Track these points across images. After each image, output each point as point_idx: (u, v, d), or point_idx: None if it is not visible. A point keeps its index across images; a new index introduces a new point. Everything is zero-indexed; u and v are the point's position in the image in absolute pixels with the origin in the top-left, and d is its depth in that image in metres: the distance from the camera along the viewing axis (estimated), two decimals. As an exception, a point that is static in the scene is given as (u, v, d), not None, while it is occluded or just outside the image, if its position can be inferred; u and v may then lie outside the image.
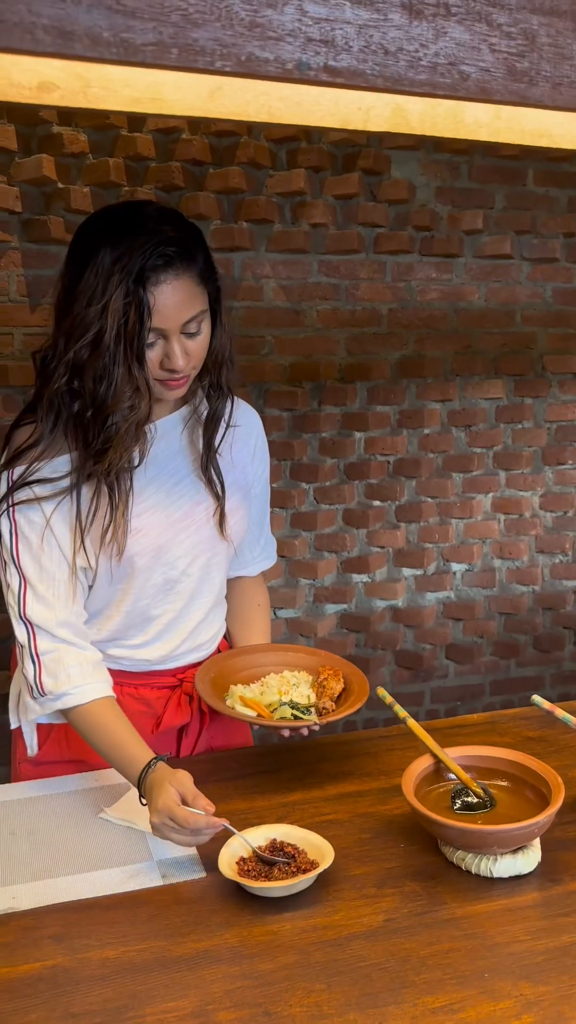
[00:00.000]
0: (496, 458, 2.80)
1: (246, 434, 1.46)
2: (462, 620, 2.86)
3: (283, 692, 1.32)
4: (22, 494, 1.24)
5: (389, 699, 1.30)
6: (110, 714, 1.25)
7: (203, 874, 1.09)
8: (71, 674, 1.25)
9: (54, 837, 1.17)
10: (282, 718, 1.27)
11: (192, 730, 1.46)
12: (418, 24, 0.73)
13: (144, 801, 1.15)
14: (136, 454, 1.26)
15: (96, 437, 1.21)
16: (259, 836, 1.12)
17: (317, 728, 1.27)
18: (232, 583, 1.54)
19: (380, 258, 2.56)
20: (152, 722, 1.42)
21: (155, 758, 1.18)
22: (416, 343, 2.64)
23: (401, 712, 1.28)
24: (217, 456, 1.37)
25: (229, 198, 2.37)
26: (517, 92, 0.76)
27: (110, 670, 1.35)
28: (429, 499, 2.75)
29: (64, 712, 1.27)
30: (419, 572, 2.79)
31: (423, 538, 2.76)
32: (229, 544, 1.41)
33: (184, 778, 1.12)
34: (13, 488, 1.24)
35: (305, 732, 1.28)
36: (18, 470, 1.24)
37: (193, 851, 1.13)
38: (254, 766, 1.38)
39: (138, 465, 1.27)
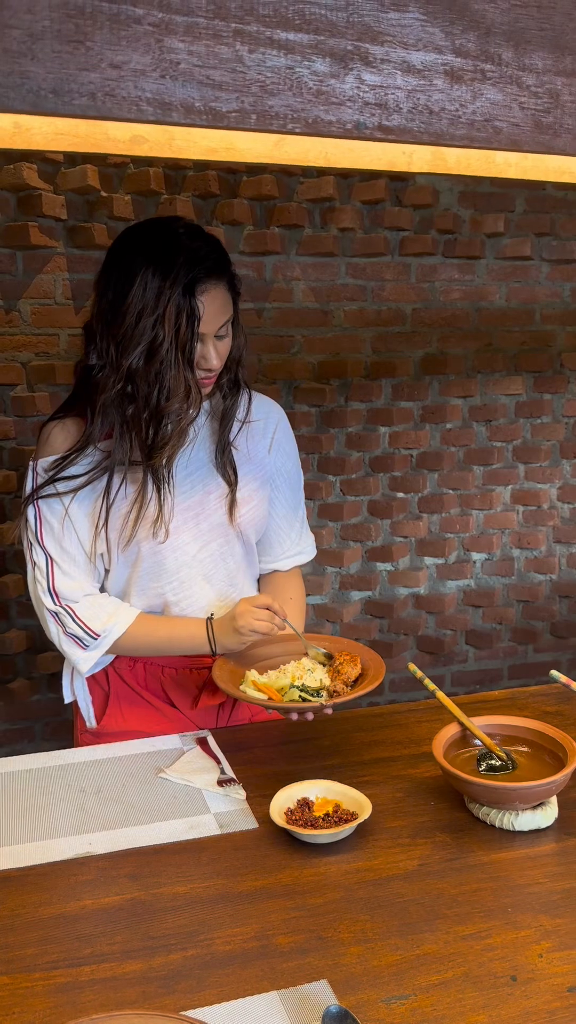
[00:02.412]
0: (515, 452, 2.92)
1: (263, 429, 1.55)
2: (482, 607, 2.98)
3: (297, 677, 1.39)
4: (46, 489, 1.39)
5: (419, 673, 1.43)
6: (151, 619, 1.45)
7: (256, 825, 1.22)
8: (108, 611, 1.42)
9: (120, 794, 1.31)
10: (291, 700, 1.35)
11: (228, 705, 1.59)
12: (458, 87, 0.85)
13: (217, 650, 1.41)
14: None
15: (152, 437, 1.35)
16: (303, 791, 1.25)
17: (329, 711, 1.33)
18: (266, 577, 1.65)
19: (405, 260, 2.68)
20: (190, 699, 1.55)
21: (208, 618, 1.41)
22: (439, 341, 2.75)
23: (430, 685, 1.41)
24: (233, 448, 1.48)
25: (262, 204, 2.49)
26: (543, 143, 0.88)
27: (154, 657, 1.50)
28: (451, 491, 2.87)
29: (116, 641, 1.42)
30: (440, 561, 2.91)
31: (445, 528, 2.89)
32: (240, 532, 1.50)
33: (262, 599, 1.37)
34: (40, 486, 1.38)
35: (310, 716, 1.34)
36: (45, 461, 1.39)
37: (246, 805, 1.26)
38: (295, 734, 1.51)
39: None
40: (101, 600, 1.44)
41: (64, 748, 1.48)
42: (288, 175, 2.47)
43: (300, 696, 1.35)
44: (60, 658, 1.53)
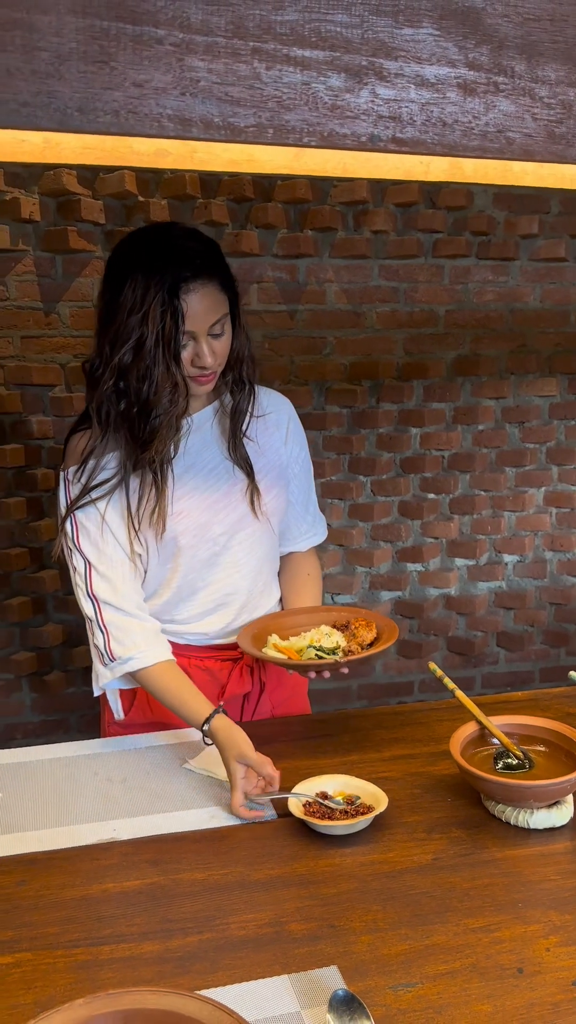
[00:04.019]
0: (549, 453, 2.91)
1: (276, 421, 1.61)
2: (513, 609, 2.98)
3: (315, 640, 1.45)
4: (81, 500, 1.42)
5: (439, 672, 1.45)
6: (173, 673, 1.43)
7: (274, 816, 1.26)
8: (136, 640, 1.43)
9: (144, 783, 1.35)
10: (308, 659, 1.40)
11: (253, 697, 1.63)
12: (471, 100, 0.87)
13: (208, 741, 1.36)
14: (172, 446, 1.44)
15: (142, 430, 1.39)
16: (322, 784, 1.28)
17: (345, 671, 1.40)
18: (285, 558, 1.71)
19: (438, 262, 2.69)
20: (217, 690, 1.59)
21: (216, 709, 1.36)
22: (472, 343, 2.76)
23: (450, 684, 1.43)
24: (247, 442, 1.54)
25: (296, 208, 2.52)
26: (556, 152, 0.90)
27: (177, 644, 1.54)
28: (482, 492, 2.87)
29: (132, 674, 1.44)
30: (471, 562, 2.92)
31: (476, 530, 2.89)
32: (266, 520, 1.56)
33: (240, 752, 1.29)
34: (75, 501, 1.42)
35: (327, 675, 1.41)
36: (73, 470, 1.43)
37: (266, 798, 1.29)
38: (317, 730, 1.54)
39: (175, 456, 1.46)
40: (137, 627, 1.44)
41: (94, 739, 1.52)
42: (321, 179, 2.50)
43: (316, 655, 1.40)
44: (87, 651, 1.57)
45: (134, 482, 1.43)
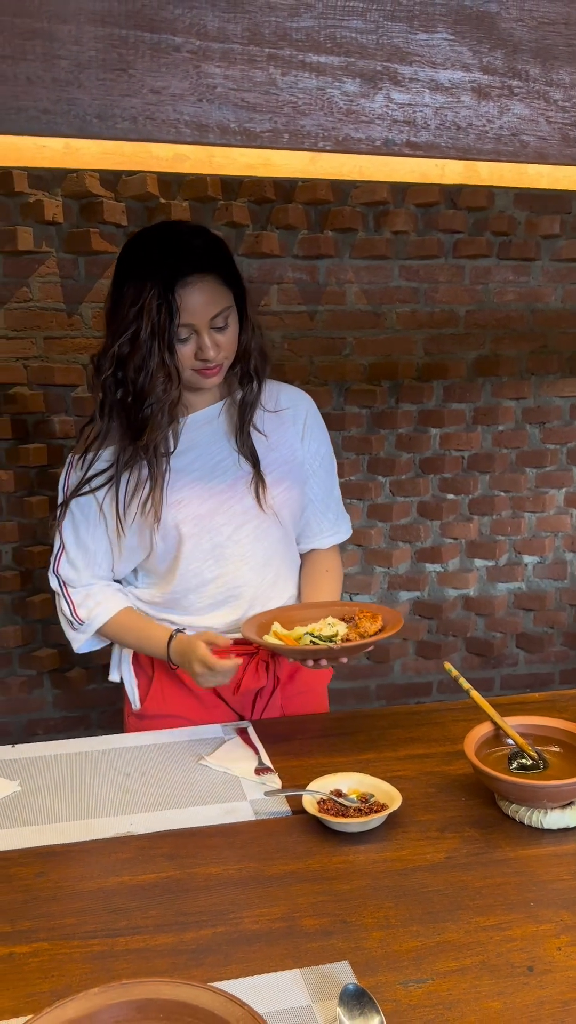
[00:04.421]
0: (570, 454, 2.90)
1: (292, 417, 1.63)
2: (533, 610, 2.97)
3: (316, 630, 1.45)
4: (81, 489, 1.51)
5: (455, 672, 1.45)
6: (131, 616, 1.56)
7: (289, 812, 1.27)
8: (98, 600, 1.56)
9: (162, 778, 1.37)
10: (304, 645, 1.41)
11: (266, 692, 1.64)
12: (485, 104, 0.88)
13: (174, 665, 1.50)
14: (171, 439, 1.49)
15: (136, 418, 1.45)
16: (336, 782, 1.29)
17: (344, 660, 1.42)
18: (306, 555, 1.72)
19: (459, 262, 2.69)
20: (232, 684, 1.61)
21: (174, 632, 1.50)
22: (492, 343, 2.75)
23: (465, 684, 1.43)
24: (259, 436, 1.55)
25: (316, 209, 2.53)
26: (571, 155, 0.90)
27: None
28: (502, 493, 2.86)
29: (99, 630, 1.56)
30: (491, 563, 2.91)
31: (495, 530, 2.88)
32: (273, 514, 1.57)
33: (208, 634, 1.45)
34: (77, 487, 1.51)
35: (324, 663, 1.43)
36: (76, 457, 1.53)
37: (281, 795, 1.30)
38: (332, 728, 1.55)
39: (174, 451, 1.50)
40: (96, 590, 1.57)
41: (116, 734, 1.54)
42: (342, 181, 2.51)
43: (311, 641, 1.41)
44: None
45: (130, 472, 1.49)
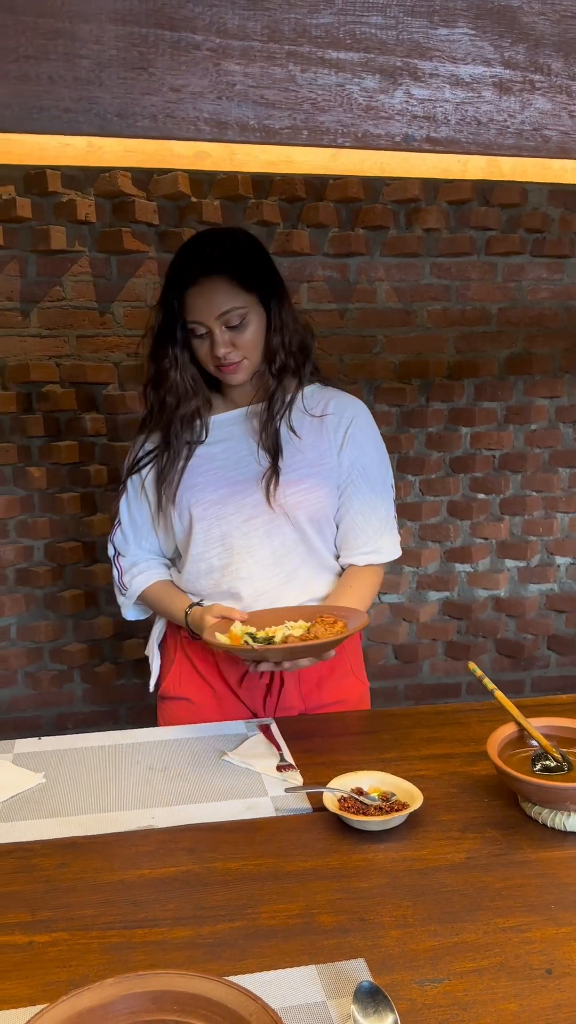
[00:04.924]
0: (602, 454, 2.86)
1: (334, 424, 1.62)
2: (565, 612, 2.93)
3: (269, 632, 1.42)
4: (135, 468, 1.66)
5: (479, 672, 1.44)
6: (164, 587, 1.69)
7: (310, 810, 1.27)
8: (141, 569, 1.70)
9: (184, 773, 1.37)
10: (244, 642, 1.39)
11: (275, 689, 1.65)
12: (507, 99, 0.87)
13: (194, 633, 1.59)
14: (203, 430, 1.61)
15: (161, 405, 1.58)
16: (357, 780, 1.29)
17: (272, 666, 1.43)
18: (345, 569, 1.68)
19: (491, 260, 2.67)
20: (239, 675, 1.64)
21: (191, 604, 1.60)
22: (525, 341, 2.73)
23: (489, 684, 1.42)
24: (291, 436, 1.58)
25: (347, 207, 2.53)
26: (593, 149, 0.89)
27: None
28: (534, 493, 2.83)
29: (139, 597, 1.69)
30: (522, 564, 2.88)
31: (527, 531, 2.86)
32: (282, 512, 1.57)
33: (218, 608, 1.53)
34: (130, 467, 1.66)
35: (263, 667, 1.44)
36: (135, 440, 1.68)
37: (302, 792, 1.30)
38: (355, 727, 1.55)
39: (204, 440, 1.61)
40: (142, 562, 1.70)
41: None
42: (373, 178, 2.50)
43: (245, 641, 1.39)
44: (143, 644, 1.64)
45: (167, 452, 1.60)
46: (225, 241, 1.54)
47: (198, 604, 1.61)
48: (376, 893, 1.08)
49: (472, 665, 1.46)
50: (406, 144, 0.86)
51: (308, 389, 1.63)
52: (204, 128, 0.83)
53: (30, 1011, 0.87)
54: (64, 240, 2.37)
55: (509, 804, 1.28)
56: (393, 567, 2.80)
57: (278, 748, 1.44)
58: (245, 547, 1.60)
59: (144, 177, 2.39)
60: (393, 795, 1.26)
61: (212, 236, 1.57)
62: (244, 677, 1.63)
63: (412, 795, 1.25)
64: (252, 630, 1.43)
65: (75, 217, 2.35)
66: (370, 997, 0.88)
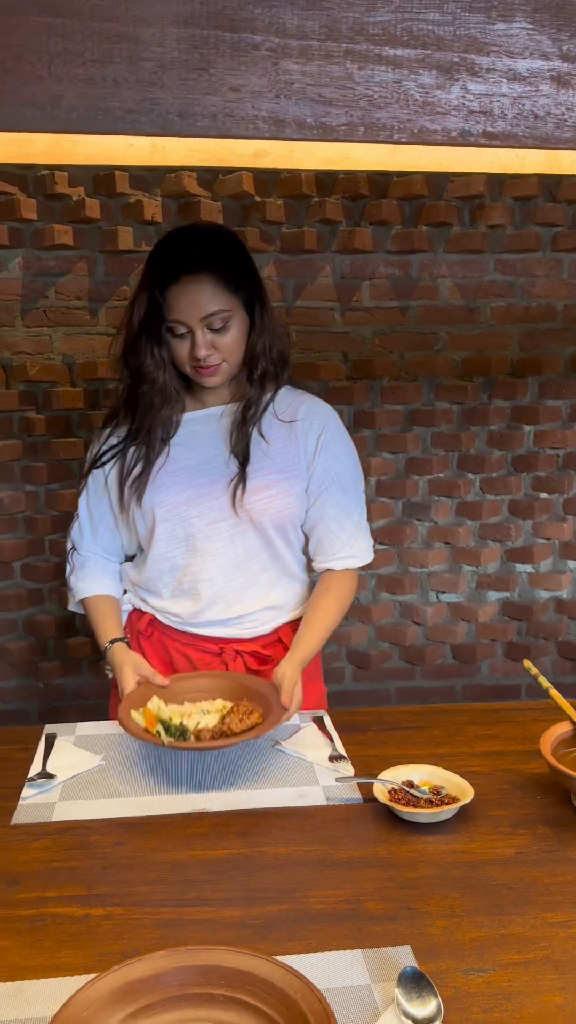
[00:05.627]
0: None
1: (304, 430, 1.59)
2: (628, 614, 2.88)
3: (184, 715, 1.37)
4: (97, 462, 1.62)
5: (534, 670, 1.44)
6: (104, 605, 1.65)
7: (360, 800, 1.28)
8: (86, 576, 1.66)
9: (238, 760, 1.40)
10: (156, 732, 1.33)
11: None
12: (565, 92, 0.87)
13: (108, 669, 1.60)
14: (173, 427, 1.56)
15: (134, 401, 1.54)
16: (408, 773, 1.29)
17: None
18: (321, 575, 1.65)
19: (557, 256, 2.63)
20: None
21: (112, 640, 1.58)
22: (591, 339, 2.68)
23: (544, 682, 1.41)
24: (260, 440, 1.55)
25: (411, 204, 2.53)
26: None
27: (162, 625, 1.64)
28: (598, 493, 2.79)
29: (80, 601, 1.67)
30: (585, 564, 2.84)
31: (590, 531, 2.81)
32: (248, 519, 1.55)
33: (139, 663, 1.53)
34: (92, 461, 1.63)
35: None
36: (98, 434, 1.65)
37: (353, 782, 1.32)
38: (408, 722, 1.55)
39: (173, 436, 1.56)
40: (92, 565, 1.67)
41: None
42: (437, 175, 2.49)
43: (157, 731, 1.34)
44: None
45: (135, 452, 1.57)
46: (212, 240, 1.49)
47: (121, 640, 1.59)
48: (424, 883, 1.09)
49: (527, 663, 1.46)
50: (462, 139, 0.87)
51: (279, 392, 1.60)
52: (262, 127, 0.85)
53: (84, 979, 0.91)
54: (131, 240, 2.43)
55: (561, 802, 1.28)
56: (451, 566, 2.78)
57: (330, 739, 1.46)
58: (208, 551, 1.57)
59: (209, 177, 2.43)
60: (443, 789, 1.26)
61: (199, 233, 1.52)
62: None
63: (463, 789, 1.25)
64: (167, 716, 1.37)
65: (142, 217, 2.40)
66: (414, 982, 0.89)
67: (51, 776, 1.35)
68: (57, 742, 1.47)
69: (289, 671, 1.46)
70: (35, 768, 1.38)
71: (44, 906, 1.06)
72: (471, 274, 2.60)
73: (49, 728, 1.53)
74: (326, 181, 2.48)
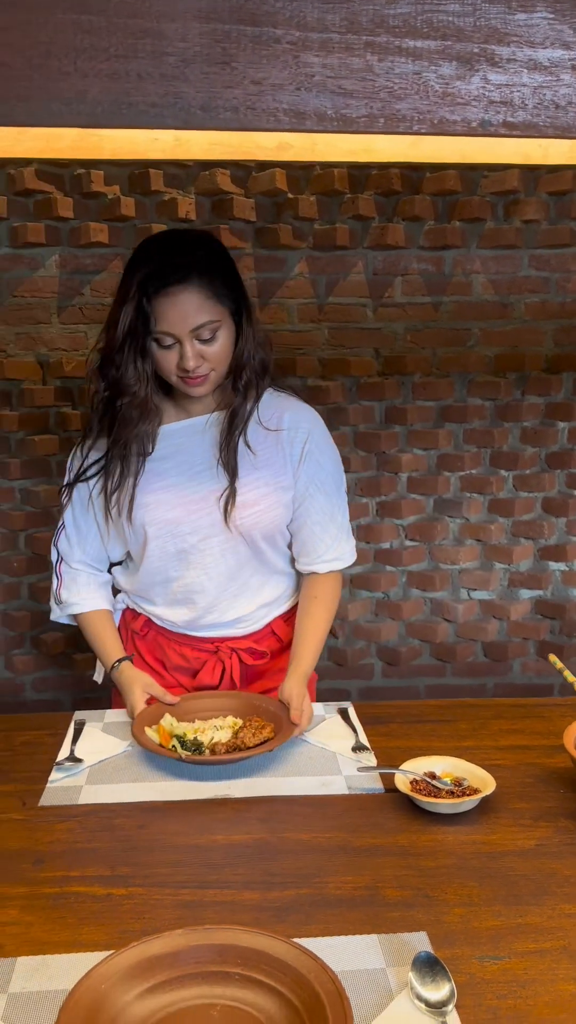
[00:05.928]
0: None
1: (289, 439, 1.58)
2: None
3: (199, 731, 1.38)
4: (81, 477, 1.59)
5: (559, 664, 1.43)
6: (102, 622, 1.65)
7: (382, 790, 1.29)
8: (80, 590, 1.64)
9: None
10: (172, 747, 1.35)
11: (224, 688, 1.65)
12: (586, 81, 0.87)
13: (96, 676, 1.67)
14: (149, 441, 1.52)
15: (108, 414, 1.51)
16: (430, 764, 1.30)
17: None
18: (305, 577, 1.67)
19: (593, 251, 2.60)
20: (189, 677, 1.66)
21: (120, 659, 1.59)
22: (627, 335, 2.65)
23: (570, 677, 1.41)
24: (247, 451, 1.52)
25: (444, 199, 2.52)
26: None
27: (156, 627, 1.65)
28: (633, 491, 2.75)
29: (73, 616, 1.66)
30: (619, 563, 2.81)
31: (625, 529, 2.78)
32: (237, 533, 1.54)
33: (149, 682, 1.54)
34: (76, 475, 1.59)
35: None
36: (79, 448, 1.60)
37: (375, 771, 1.33)
38: (432, 715, 1.55)
39: (151, 452, 1.53)
40: (84, 579, 1.65)
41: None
42: (471, 170, 2.48)
43: (173, 746, 1.35)
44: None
45: (119, 466, 1.53)
46: (199, 248, 1.45)
47: (127, 659, 1.60)
48: (442, 872, 1.10)
49: (553, 657, 1.45)
50: (483, 129, 0.87)
51: (262, 397, 1.57)
52: (283, 119, 0.86)
53: (105, 955, 0.93)
54: (165, 237, 2.45)
55: (585, 797, 1.27)
56: (483, 563, 2.77)
57: (354, 731, 1.47)
58: (200, 564, 1.58)
59: (242, 174, 2.45)
60: (465, 781, 1.27)
61: (185, 241, 1.47)
62: (196, 675, 1.64)
63: (485, 782, 1.25)
64: (181, 731, 1.38)
65: (176, 215, 2.43)
66: (428, 967, 0.90)
67: (79, 760, 1.38)
68: (86, 728, 1.50)
69: (295, 688, 1.48)
70: (64, 752, 1.41)
71: (68, 885, 1.09)
72: (505, 270, 2.59)
73: (78, 715, 1.56)
74: (359, 177, 2.48)
